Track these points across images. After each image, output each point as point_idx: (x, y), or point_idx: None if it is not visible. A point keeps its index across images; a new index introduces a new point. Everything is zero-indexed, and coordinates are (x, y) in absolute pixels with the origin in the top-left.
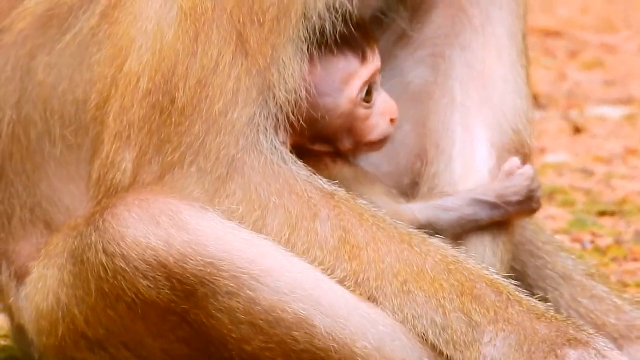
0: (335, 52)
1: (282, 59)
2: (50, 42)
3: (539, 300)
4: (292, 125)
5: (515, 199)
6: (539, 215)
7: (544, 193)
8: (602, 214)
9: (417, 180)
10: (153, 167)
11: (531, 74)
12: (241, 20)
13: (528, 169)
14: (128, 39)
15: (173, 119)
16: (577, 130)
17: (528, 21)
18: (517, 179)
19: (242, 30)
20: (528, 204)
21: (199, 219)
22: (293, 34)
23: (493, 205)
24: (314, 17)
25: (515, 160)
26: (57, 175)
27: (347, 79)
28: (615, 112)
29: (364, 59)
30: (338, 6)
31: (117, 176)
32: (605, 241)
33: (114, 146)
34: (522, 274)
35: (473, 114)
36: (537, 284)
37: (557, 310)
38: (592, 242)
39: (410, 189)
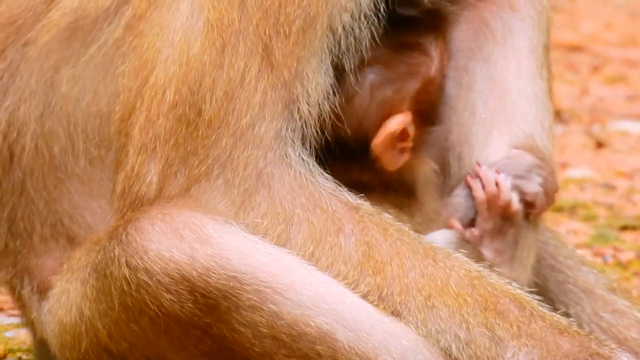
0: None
1: (306, 72)
2: (74, 55)
3: (561, 315)
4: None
5: (514, 173)
6: (561, 230)
7: (566, 207)
8: (624, 228)
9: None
10: (179, 179)
11: (554, 89)
12: (267, 32)
13: (528, 156)
14: (154, 50)
15: (200, 132)
16: (600, 145)
17: (551, 36)
18: (515, 157)
19: (268, 42)
20: (529, 181)
21: (222, 233)
22: (318, 46)
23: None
24: (339, 30)
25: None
26: (79, 192)
27: None
28: (637, 127)
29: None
30: (363, 19)
31: (142, 188)
32: (626, 255)
33: (139, 158)
34: (544, 289)
35: (489, 126)
36: (559, 298)
37: (579, 325)
38: (614, 256)
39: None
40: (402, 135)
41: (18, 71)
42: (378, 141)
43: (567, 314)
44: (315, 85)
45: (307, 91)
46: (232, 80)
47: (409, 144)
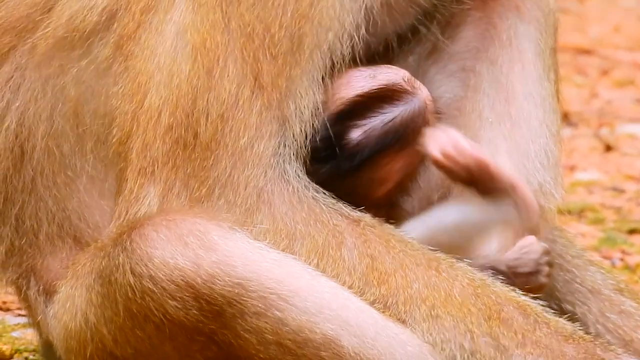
0: None
1: (298, 91)
2: (76, 59)
3: (567, 316)
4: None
5: (523, 270)
6: (570, 232)
7: (574, 210)
8: (632, 231)
9: (447, 196)
10: (181, 202)
11: (562, 92)
12: (254, 54)
13: (537, 245)
14: (146, 74)
15: (198, 154)
16: (608, 148)
17: (560, 39)
18: (527, 252)
19: (256, 64)
20: (536, 277)
21: (227, 239)
22: (308, 65)
23: (502, 273)
24: (326, 48)
25: (532, 239)
26: (88, 191)
27: None
28: None
29: None
30: (347, 37)
31: (141, 210)
32: (634, 259)
33: (138, 182)
34: (551, 287)
35: (495, 129)
36: (566, 297)
37: (585, 325)
38: (622, 259)
39: (439, 204)
40: None
41: (26, 73)
42: None
43: (573, 314)
44: (307, 103)
45: (300, 109)
46: (225, 102)
47: None
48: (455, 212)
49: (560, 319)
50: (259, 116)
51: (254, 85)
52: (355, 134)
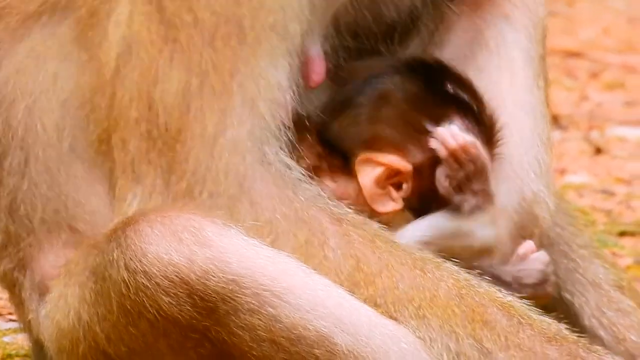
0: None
1: (254, 72)
2: (48, 37)
3: (560, 317)
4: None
5: (529, 281)
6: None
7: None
8: (623, 234)
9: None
10: (164, 198)
11: (552, 95)
12: (190, 42)
13: (542, 255)
14: (108, 67)
15: (169, 147)
16: (598, 151)
17: (549, 42)
18: (532, 263)
19: (194, 52)
20: (542, 287)
21: (221, 236)
22: (256, 46)
23: (507, 285)
24: (279, 29)
25: (530, 244)
26: (84, 177)
27: None
28: (636, 133)
29: None
30: (303, 16)
31: (130, 210)
32: (625, 261)
33: (121, 182)
34: (553, 273)
35: None
36: (566, 286)
37: (581, 317)
38: None
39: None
40: (394, 182)
41: (10, 46)
42: (363, 160)
43: (571, 303)
44: (272, 83)
45: (264, 90)
46: (177, 92)
47: (396, 196)
48: (448, 219)
49: (545, 319)
50: (218, 101)
51: (200, 72)
52: None
